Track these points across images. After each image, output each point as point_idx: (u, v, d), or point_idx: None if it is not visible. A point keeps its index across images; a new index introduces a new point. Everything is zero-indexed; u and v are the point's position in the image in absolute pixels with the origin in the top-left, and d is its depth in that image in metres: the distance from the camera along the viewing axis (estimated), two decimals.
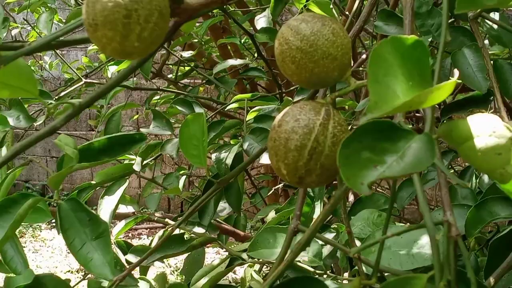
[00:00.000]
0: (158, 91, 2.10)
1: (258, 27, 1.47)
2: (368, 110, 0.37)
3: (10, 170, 1.00)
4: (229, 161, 1.23)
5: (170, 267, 3.93)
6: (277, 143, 0.47)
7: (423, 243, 0.81)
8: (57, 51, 2.37)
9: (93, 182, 1.22)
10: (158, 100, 2.40)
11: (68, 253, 4.47)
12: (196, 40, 2.32)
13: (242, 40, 2.35)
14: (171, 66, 2.61)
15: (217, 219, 1.59)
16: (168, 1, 0.49)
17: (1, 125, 1.04)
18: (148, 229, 4.41)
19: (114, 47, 0.43)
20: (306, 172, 0.46)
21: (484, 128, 0.37)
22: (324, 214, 0.47)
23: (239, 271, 3.43)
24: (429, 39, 1.10)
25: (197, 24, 2.33)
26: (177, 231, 1.19)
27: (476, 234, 0.93)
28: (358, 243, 0.97)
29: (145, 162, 1.37)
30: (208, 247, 1.71)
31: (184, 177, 1.79)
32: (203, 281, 1.16)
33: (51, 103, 1.05)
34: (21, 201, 0.79)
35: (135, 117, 3.14)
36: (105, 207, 1.23)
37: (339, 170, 0.39)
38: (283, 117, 0.48)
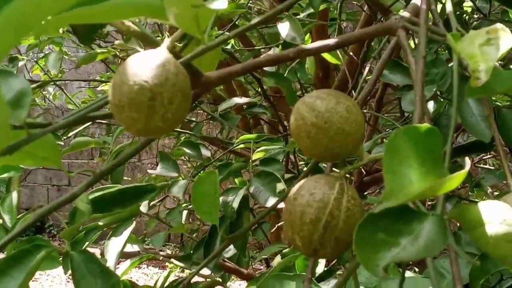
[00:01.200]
0: None
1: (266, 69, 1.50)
2: (384, 199, 0.38)
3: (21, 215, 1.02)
4: (235, 204, 1.24)
5: None
6: (292, 216, 0.49)
7: None
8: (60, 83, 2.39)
9: (100, 223, 1.24)
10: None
11: (68, 281, 4.46)
12: None
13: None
14: None
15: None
16: (189, 78, 0.52)
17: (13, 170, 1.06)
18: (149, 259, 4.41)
19: (139, 128, 0.45)
20: (321, 245, 0.48)
21: (495, 216, 0.39)
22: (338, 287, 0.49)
23: None
24: (434, 89, 1.12)
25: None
26: (182, 273, 1.20)
27: (480, 285, 0.95)
28: None
29: (152, 203, 1.39)
30: None
31: (186, 211, 1.81)
32: None
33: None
34: (34, 252, 0.81)
35: None
36: (112, 249, 1.24)
37: (355, 252, 0.40)
38: (299, 191, 0.49)
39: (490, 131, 1.10)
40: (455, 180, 0.38)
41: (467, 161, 0.39)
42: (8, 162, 0.65)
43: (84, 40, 1.06)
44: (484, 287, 1.09)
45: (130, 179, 3.74)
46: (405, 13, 0.61)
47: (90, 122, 1.66)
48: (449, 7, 0.59)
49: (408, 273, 1.04)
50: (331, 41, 0.57)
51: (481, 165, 2.80)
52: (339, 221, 0.48)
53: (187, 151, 1.41)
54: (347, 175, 0.52)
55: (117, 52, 1.48)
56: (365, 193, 1.93)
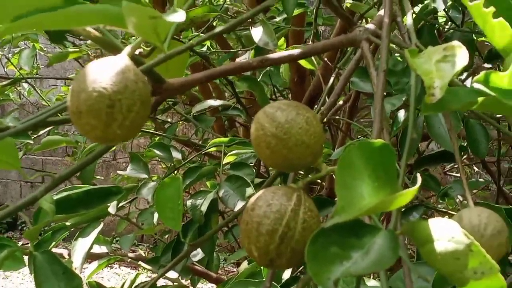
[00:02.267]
0: None
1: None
2: (336, 213, 0.39)
3: None
4: (204, 208, 1.25)
5: None
6: (249, 226, 0.49)
7: None
8: (34, 81, 2.37)
9: (68, 223, 1.23)
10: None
11: None
12: None
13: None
14: None
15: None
16: (150, 84, 0.52)
17: None
18: None
19: (97, 134, 0.45)
20: (277, 256, 0.48)
21: (444, 233, 0.40)
22: None
23: None
24: (403, 98, 1.13)
25: None
26: (148, 278, 1.20)
27: None
28: None
29: (120, 204, 1.38)
30: None
31: None
32: None
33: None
34: None
35: (112, 148, 3.14)
36: (79, 250, 1.24)
37: (307, 265, 0.41)
38: (256, 201, 0.50)
39: (457, 141, 1.11)
40: (406, 196, 0.39)
41: (419, 177, 0.40)
42: None
43: (55, 39, 1.06)
44: None
45: (103, 178, 3.72)
46: (370, 25, 0.62)
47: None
48: (409, 21, 0.59)
49: (372, 282, 1.05)
50: (295, 51, 0.58)
51: (453, 173, 2.83)
52: (296, 232, 0.48)
53: (158, 153, 1.41)
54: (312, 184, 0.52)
55: (89, 52, 1.47)
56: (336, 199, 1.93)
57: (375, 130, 0.49)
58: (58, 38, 1.01)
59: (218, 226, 0.84)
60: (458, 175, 2.62)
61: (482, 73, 0.41)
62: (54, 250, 1.52)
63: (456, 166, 2.65)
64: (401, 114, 1.23)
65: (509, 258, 0.98)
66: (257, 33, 1.21)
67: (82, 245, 1.21)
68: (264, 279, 1.13)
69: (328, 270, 0.40)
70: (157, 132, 1.89)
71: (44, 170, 5.11)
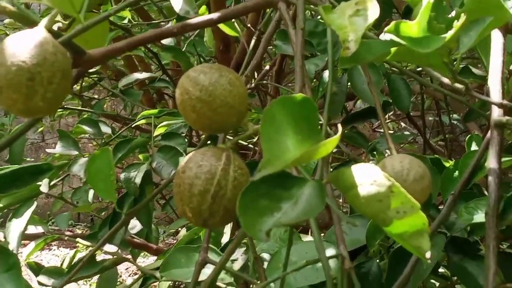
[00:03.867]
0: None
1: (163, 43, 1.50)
2: (262, 167, 0.40)
3: None
4: (138, 180, 1.25)
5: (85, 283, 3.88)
6: (182, 189, 0.50)
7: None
8: None
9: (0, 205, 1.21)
10: (63, 112, 2.37)
11: None
12: None
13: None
14: None
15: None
16: (71, 57, 0.51)
17: None
18: (58, 240, 4.33)
19: (19, 108, 0.45)
20: (210, 215, 0.50)
21: (366, 177, 0.42)
22: (229, 253, 0.50)
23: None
24: (326, 58, 1.16)
25: None
26: (88, 251, 1.19)
27: (377, 244, 0.99)
28: (267, 256, 1.02)
29: (53, 182, 1.37)
30: None
31: (93, 190, 1.78)
32: None
33: None
34: None
35: (40, 129, 3.08)
36: (13, 230, 1.22)
37: (239, 219, 0.42)
38: (187, 164, 0.51)
39: (380, 97, 1.15)
40: (328, 146, 0.40)
41: (339, 127, 0.41)
42: None
43: None
44: (381, 246, 1.15)
45: (33, 160, 3.64)
46: None
47: None
48: None
49: (308, 238, 1.08)
50: (214, 15, 0.58)
51: (382, 130, 2.90)
52: (227, 190, 0.49)
53: (87, 128, 1.39)
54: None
55: (7, 32, 1.43)
56: None
57: (297, 86, 0.50)
58: None
59: (152, 194, 0.85)
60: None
61: (392, 23, 0.43)
62: None
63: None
64: (326, 74, 1.26)
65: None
66: (177, 2, 1.21)
67: (16, 226, 1.19)
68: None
69: (260, 222, 0.42)
70: (85, 109, 1.86)
71: None
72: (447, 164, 0.95)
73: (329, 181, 0.45)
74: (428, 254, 0.41)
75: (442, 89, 0.69)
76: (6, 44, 0.44)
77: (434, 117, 2.87)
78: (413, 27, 0.43)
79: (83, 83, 2.18)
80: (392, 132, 2.70)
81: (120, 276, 3.98)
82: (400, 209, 0.40)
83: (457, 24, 0.42)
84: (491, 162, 0.58)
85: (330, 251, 0.89)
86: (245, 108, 0.52)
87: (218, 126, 0.52)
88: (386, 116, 2.61)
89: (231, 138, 0.61)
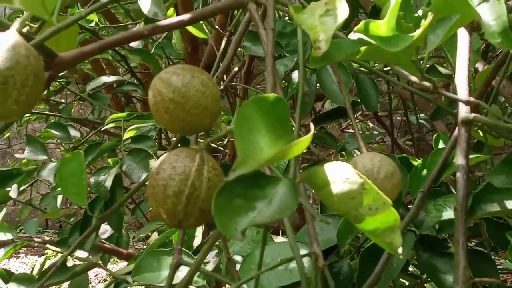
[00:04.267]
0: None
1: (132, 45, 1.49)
2: (237, 167, 0.41)
3: None
4: (108, 183, 1.24)
5: None
6: (156, 190, 0.50)
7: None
8: None
9: None
10: (30, 117, 2.35)
11: None
12: None
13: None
14: None
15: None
16: (42, 60, 0.51)
17: None
18: (27, 248, 4.28)
19: None
20: (185, 216, 0.50)
21: (338, 175, 0.42)
22: (203, 254, 0.51)
23: None
24: (295, 59, 1.16)
25: None
26: (58, 257, 1.18)
27: (347, 243, 1.00)
28: (239, 258, 1.02)
29: (22, 188, 1.35)
30: None
31: (61, 195, 1.77)
32: None
33: None
34: None
35: (7, 135, 3.04)
36: None
37: (215, 219, 0.42)
38: (161, 165, 0.51)
39: (349, 97, 1.16)
40: (301, 145, 0.41)
41: (311, 126, 0.42)
42: None
43: None
44: (352, 246, 1.16)
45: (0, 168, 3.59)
46: None
47: None
48: None
49: (280, 238, 1.09)
50: (185, 17, 0.59)
51: (350, 130, 2.92)
52: (201, 191, 0.50)
53: (55, 132, 1.38)
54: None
55: None
56: None
57: (268, 85, 0.51)
58: None
59: (124, 197, 0.85)
60: (351, 131, 2.71)
61: (361, 23, 0.44)
62: None
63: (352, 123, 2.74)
64: (295, 75, 1.27)
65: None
66: (145, 4, 1.20)
67: None
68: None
69: (235, 221, 0.42)
70: (52, 113, 1.84)
71: None
72: (415, 163, 0.96)
73: (302, 179, 0.45)
74: (400, 250, 0.41)
75: (410, 88, 0.71)
76: None
77: (401, 116, 2.90)
78: (382, 27, 0.44)
79: (50, 88, 2.16)
80: (360, 132, 2.73)
81: (90, 283, 3.94)
82: (372, 206, 0.41)
83: (424, 23, 0.43)
84: (459, 159, 0.59)
85: (302, 251, 0.90)
86: (218, 109, 0.52)
87: (192, 127, 0.52)
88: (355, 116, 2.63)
89: (203, 140, 0.61)
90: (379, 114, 1.97)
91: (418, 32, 0.43)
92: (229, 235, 0.42)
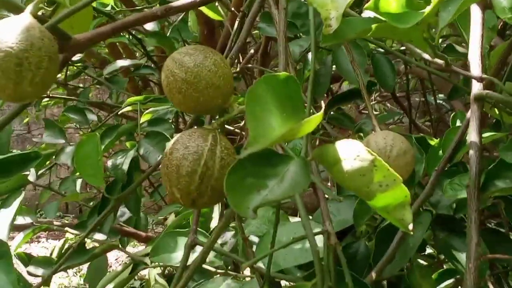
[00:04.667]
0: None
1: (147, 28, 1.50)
2: (248, 145, 0.41)
3: None
4: (125, 166, 1.25)
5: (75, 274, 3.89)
6: (169, 170, 0.51)
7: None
8: None
9: None
10: (48, 102, 2.36)
11: None
12: None
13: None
14: None
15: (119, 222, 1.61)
16: (56, 42, 0.52)
17: None
18: (47, 232, 4.33)
19: (9, 94, 0.45)
20: (198, 195, 0.50)
21: (350, 153, 0.42)
22: (217, 233, 0.51)
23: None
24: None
25: None
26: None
27: (363, 223, 1.00)
28: (256, 239, 1.02)
29: (40, 172, 1.37)
30: None
31: (80, 179, 1.78)
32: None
33: None
34: None
35: (26, 120, 3.07)
36: (2, 221, 1.22)
37: (227, 197, 0.43)
38: (174, 145, 0.51)
39: (365, 76, 1.15)
40: (311, 123, 0.41)
41: (322, 105, 0.42)
42: None
43: None
44: (369, 227, 1.16)
45: (19, 151, 3.63)
46: None
47: None
48: None
49: (296, 219, 1.09)
50: None
51: (367, 111, 2.90)
52: (214, 170, 0.50)
53: (73, 116, 1.39)
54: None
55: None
56: None
57: (280, 65, 0.51)
58: None
59: (141, 178, 0.86)
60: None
61: (371, 0, 0.44)
62: None
63: (371, 103, 2.73)
64: (311, 56, 1.26)
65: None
66: None
67: (5, 216, 1.19)
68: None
69: (247, 199, 0.43)
70: (70, 97, 1.86)
71: None
72: (432, 143, 0.96)
73: (314, 157, 0.45)
74: (411, 226, 0.42)
75: (425, 66, 0.70)
76: None
77: (420, 97, 2.88)
78: (392, 4, 0.43)
79: (68, 72, 2.17)
80: (378, 113, 2.71)
81: (110, 267, 3.98)
82: (382, 182, 0.41)
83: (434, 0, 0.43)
84: (472, 136, 0.59)
85: (317, 230, 0.90)
86: (230, 89, 0.53)
87: (204, 107, 0.53)
88: (372, 97, 2.62)
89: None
90: (397, 95, 1.96)
91: (428, 8, 0.43)
92: (242, 213, 0.42)
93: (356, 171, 0.42)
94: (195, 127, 0.54)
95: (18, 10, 0.50)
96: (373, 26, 0.45)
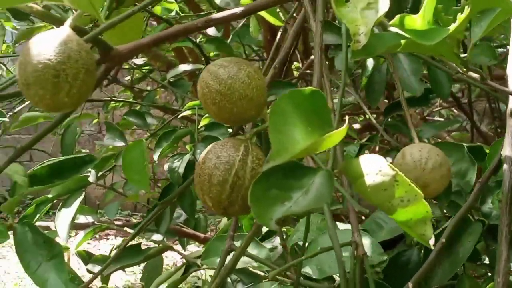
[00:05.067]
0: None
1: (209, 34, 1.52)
2: (271, 158, 0.42)
3: None
4: (181, 170, 1.27)
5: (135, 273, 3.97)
6: (202, 179, 0.52)
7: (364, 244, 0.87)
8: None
9: (49, 195, 1.26)
10: (117, 104, 2.43)
11: None
12: None
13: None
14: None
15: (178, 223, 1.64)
16: (98, 52, 0.54)
17: None
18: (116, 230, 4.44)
19: (46, 103, 0.47)
20: (229, 204, 0.52)
21: (372, 167, 0.43)
22: (247, 240, 0.52)
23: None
24: None
25: (149, 29, 2.36)
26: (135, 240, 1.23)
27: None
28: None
29: (101, 173, 1.41)
30: None
31: None
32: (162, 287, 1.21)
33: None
34: None
35: (95, 121, 3.16)
36: (62, 220, 1.27)
37: (251, 208, 0.44)
38: (207, 155, 0.53)
39: (420, 84, 1.14)
40: (335, 136, 0.42)
41: (346, 119, 0.43)
42: None
43: (17, 16, 1.08)
44: None
45: (88, 151, 3.74)
46: None
47: None
48: None
49: (343, 225, 1.09)
50: (238, 9, 0.60)
51: (431, 118, 2.85)
52: (245, 180, 0.51)
53: (133, 120, 1.43)
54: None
55: (54, 27, 1.47)
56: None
57: (315, 78, 0.52)
58: (20, 15, 1.03)
59: (187, 182, 0.87)
60: (436, 119, 2.65)
61: (396, 17, 0.44)
62: (40, 223, 1.55)
63: (435, 110, 2.68)
64: (370, 62, 1.26)
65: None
66: None
67: (65, 216, 1.24)
68: (246, 232, 1.17)
69: (270, 211, 0.44)
70: (135, 101, 1.91)
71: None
72: (488, 151, 0.94)
73: (340, 171, 0.46)
74: (432, 241, 0.42)
75: (466, 78, 0.69)
76: (32, 43, 0.47)
77: (486, 103, 2.81)
78: (418, 20, 0.43)
79: (135, 75, 2.23)
80: (441, 119, 2.66)
81: (170, 268, 4.04)
82: (404, 197, 0.41)
83: (461, 16, 0.42)
84: (507, 150, 0.58)
85: (365, 240, 0.90)
86: (263, 100, 0.54)
87: (238, 118, 0.54)
88: (437, 103, 2.57)
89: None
90: (461, 101, 1.93)
91: (454, 25, 0.43)
92: (265, 225, 0.43)
93: (378, 185, 0.42)
94: (228, 137, 0.56)
95: (59, 23, 0.52)
96: (402, 41, 0.46)
